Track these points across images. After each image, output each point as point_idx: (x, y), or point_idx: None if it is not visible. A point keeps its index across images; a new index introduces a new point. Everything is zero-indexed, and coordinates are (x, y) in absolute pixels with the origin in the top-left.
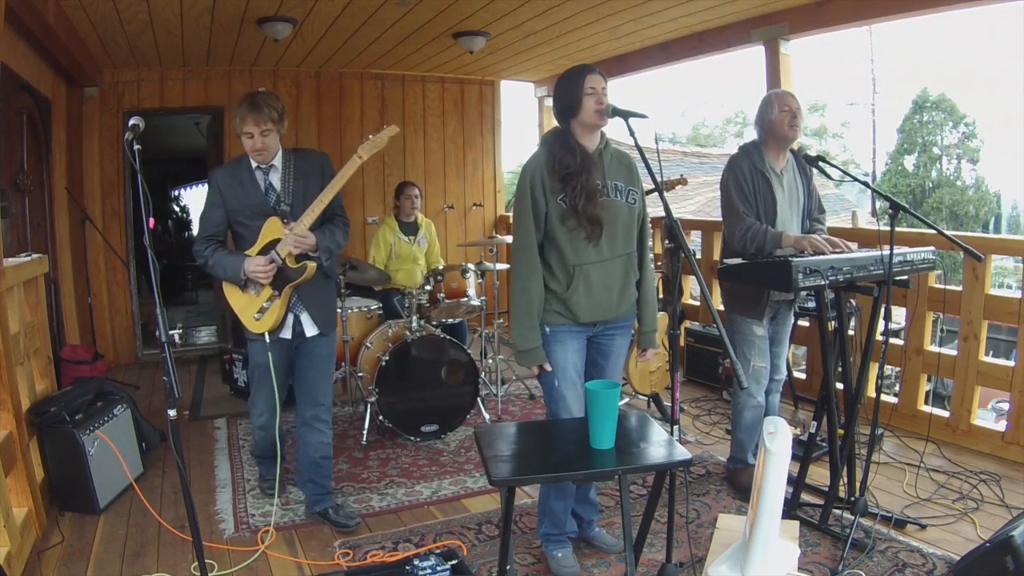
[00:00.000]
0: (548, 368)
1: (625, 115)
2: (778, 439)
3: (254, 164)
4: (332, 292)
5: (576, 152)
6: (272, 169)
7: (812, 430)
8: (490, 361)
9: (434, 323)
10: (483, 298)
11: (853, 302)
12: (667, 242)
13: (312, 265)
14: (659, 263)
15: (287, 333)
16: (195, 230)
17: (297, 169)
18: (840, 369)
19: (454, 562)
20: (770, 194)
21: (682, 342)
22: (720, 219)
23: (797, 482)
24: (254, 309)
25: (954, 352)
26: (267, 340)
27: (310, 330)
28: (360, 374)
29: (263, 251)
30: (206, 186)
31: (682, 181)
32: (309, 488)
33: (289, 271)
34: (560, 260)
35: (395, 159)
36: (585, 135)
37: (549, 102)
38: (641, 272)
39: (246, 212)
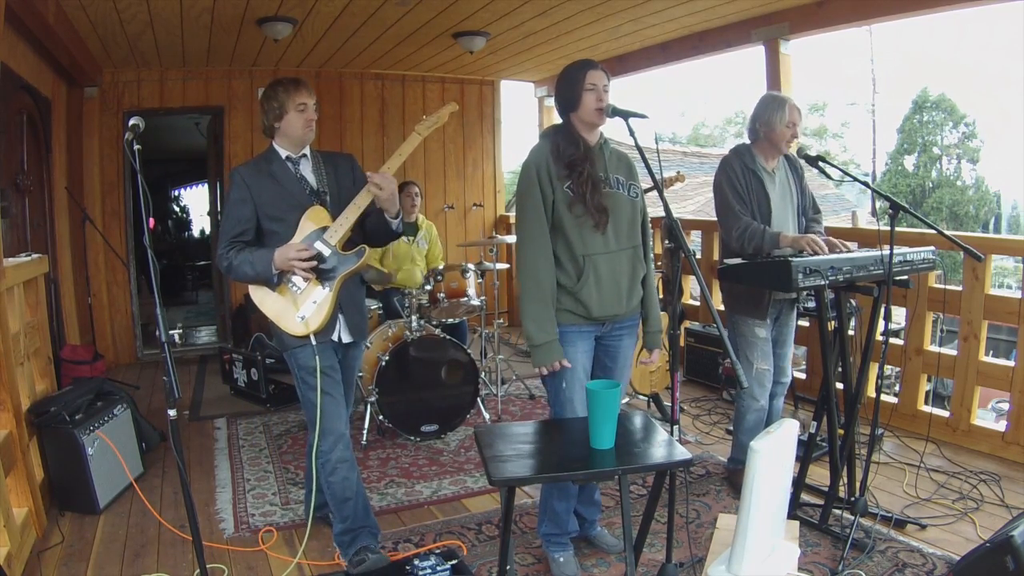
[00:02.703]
0: (567, 365)
1: (625, 115)
2: (766, 438)
3: (283, 155)
4: (364, 296)
5: (579, 143)
6: (303, 159)
7: (812, 430)
8: (490, 361)
9: (434, 323)
10: (483, 298)
11: (853, 302)
12: (667, 242)
13: (369, 250)
14: (659, 263)
15: (336, 335)
16: (195, 230)
17: (327, 161)
18: (840, 369)
19: (454, 562)
20: (763, 193)
21: (682, 342)
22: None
23: (797, 482)
24: (297, 309)
25: (954, 352)
26: (314, 342)
27: (346, 336)
28: (360, 374)
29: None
30: (205, 186)
31: (679, 178)
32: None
33: (343, 258)
34: (568, 251)
35: None
36: (585, 130)
37: (549, 102)
38: (645, 269)
39: (280, 205)
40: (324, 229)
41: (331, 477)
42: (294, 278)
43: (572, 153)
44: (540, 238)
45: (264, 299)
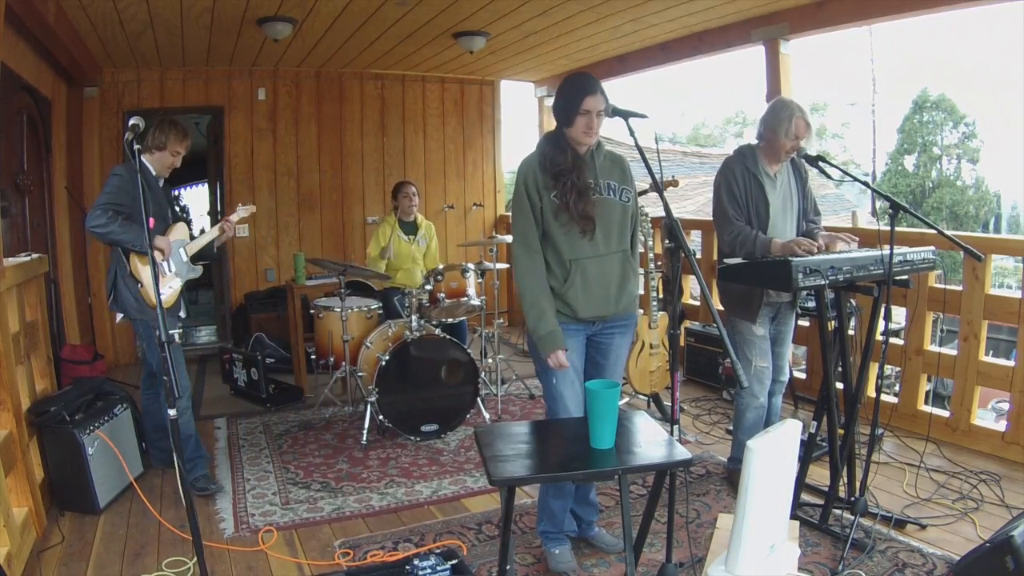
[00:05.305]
0: (566, 365)
1: (625, 115)
2: (763, 437)
3: (152, 171)
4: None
5: (567, 152)
6: (161, 179)
7: (812, 430)
8: (490, 361)
9: (434, 323)
10: (483, 298)
11: (853, 302)
12: (667, 242)
13: (201, 268)
14: (659, 263)
15: (184, 312)
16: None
17: (166, 188)
18: (840, 369)
19: (454, 562)
20: (763, 198)
21: (682, 342)
22: None
23: (797, 482)
24: (162, 286)
25: (954, 352)
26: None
27: (183, 313)
28: (360, 374)
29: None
30: (205, 186)
31: (673, 183)
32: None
33: (190, 267)
34: (556, 255)
35: (395, 159)
36: (575, 142)
37: (549, 102)
38: (636, 271)
39: (147, 206)
40: (184, 242)
41: (181, 419)
42: (165, 264)
43: (559, 163)
44: (531, 240)
45: (145, 270)
